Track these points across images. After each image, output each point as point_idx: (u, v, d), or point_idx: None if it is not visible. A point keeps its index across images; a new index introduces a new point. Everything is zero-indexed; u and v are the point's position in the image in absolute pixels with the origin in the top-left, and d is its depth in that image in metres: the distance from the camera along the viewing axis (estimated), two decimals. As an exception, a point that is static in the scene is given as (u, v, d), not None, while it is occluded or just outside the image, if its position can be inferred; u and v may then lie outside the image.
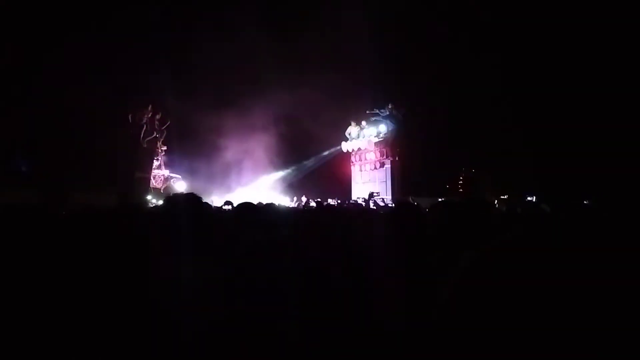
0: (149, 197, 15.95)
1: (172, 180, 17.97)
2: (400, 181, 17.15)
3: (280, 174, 20.46)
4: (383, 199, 16.51)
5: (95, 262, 2.20)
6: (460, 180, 20.04)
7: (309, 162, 20.55)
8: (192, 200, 2.17)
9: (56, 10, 14.00)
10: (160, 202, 14.75)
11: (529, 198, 13.07)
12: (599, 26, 13.93)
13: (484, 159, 17.46)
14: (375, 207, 11.62)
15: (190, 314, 1.75)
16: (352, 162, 20.07)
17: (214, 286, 1.88)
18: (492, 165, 16.95)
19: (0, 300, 1.88)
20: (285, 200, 16.90)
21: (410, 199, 13.89)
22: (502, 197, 14.42)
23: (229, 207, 7.12)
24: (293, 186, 20.13)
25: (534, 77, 15.11)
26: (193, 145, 17.87)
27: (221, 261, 2.05)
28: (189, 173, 18.19)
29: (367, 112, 18.31)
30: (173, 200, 2.22)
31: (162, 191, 17.22)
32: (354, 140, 19.20)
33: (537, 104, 15.20)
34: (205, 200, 2.42)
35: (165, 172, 18.02)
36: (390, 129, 17.51)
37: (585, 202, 5.35)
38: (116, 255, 2.31)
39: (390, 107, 17.56)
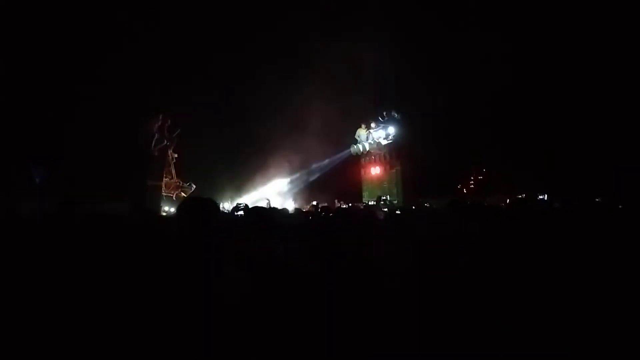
0: (161, 205, 16.10)
1: (184, 188, 18.08)
2: (410, 183, 17.09)
3: (290, 178, 20.51)
4: (392, 201, 16.49)
5: (108, 268, 2.24)
6: (471, 180, 19.95)
7: (319, 166, 20.55)
8: (208, 205, 2.16)
9: (69, 20, 14.22)
10: (173, 209, 14.81)
11: (540, 197, 12.97)
12: (609, 22, 13.80)
13: (494, 158, 17.34)
14: (385, 210, 11.59)
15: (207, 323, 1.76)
16: (362, 165, 20.06)
17: (232, 293, 1.89)
18: (503, 164, 16.83)
19: (20, 303, 1.93)
20: (294, 205, 16.94)
21: (420, 200, 13.87)
22: (518, 196, 14.25)
23: (241, 212, 7.14)
24: (303, 190, 20.18)
25: (543, 74, 15.01)
26: (204, 152, 17.99)
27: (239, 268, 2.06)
28: (200, 180, 18.31)
29: (380, 117, 18.32)
30: (190, 205, 2.21)
31: (174, 199, 17.35)
32: (363, 143, 19.20)
33: (547, 102, 15.09)
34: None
35: (177, 180, 18.15)
36: (398, 131, 17.49)
37: (597, 199, 5.31)
38: (130, 262, 2.34)
39: (394, 111, 17.57)
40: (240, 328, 1.76)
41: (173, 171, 18.03)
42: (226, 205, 15.67)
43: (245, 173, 19.25)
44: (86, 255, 2.32)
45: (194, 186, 18.18)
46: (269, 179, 19.96)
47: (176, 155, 17.98)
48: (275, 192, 20.05)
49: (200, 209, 2.13)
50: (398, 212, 7.33)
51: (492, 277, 1.85)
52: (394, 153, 17.88)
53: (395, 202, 16.53)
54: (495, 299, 1.80)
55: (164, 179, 17.42)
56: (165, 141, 17.15)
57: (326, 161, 20.35)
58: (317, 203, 15.07)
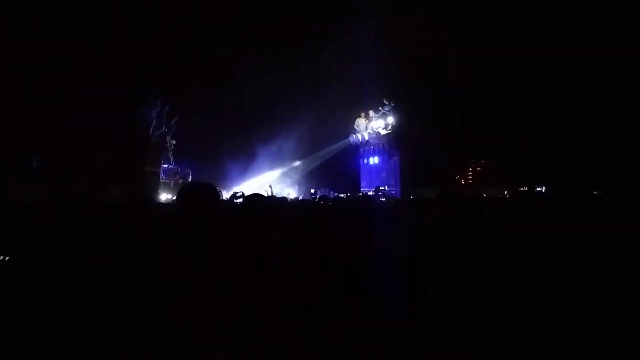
0: (158, 192, 16.08)
1: (181, 174, 18.04)
2: (409, 173, 17.08)
3: (289, 167, 20.50)
4: (391, 191, 16.51)
5: (105, 256, 2.23)
6: (470, 171, 19.97)
7: (318, 155, 20.53)
8: (209, 190, 2.13)
9: (65, 8, 14.07)
10: (170, 196, 14.75)
11: (538, 188, 13.02)
12: (606, 21, 13.74)
13: (493, 150, 17.33)
14: (384, 200, 11.62)
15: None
16: (361, 154, 20.05)
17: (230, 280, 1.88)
18: (501, 156, 16.83)
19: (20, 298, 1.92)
20: (294, 194, 16.97)
21: (418, 190, 13.90)
22: (520, 188, 14.26)
23: (240, 200, 7.13)
24: (302, 179, 20.19)
25: (542, 67, 14.96)
26: (202, 139, 17.94)
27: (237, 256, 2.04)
28: (198, 166, 18.28)
29: (380, 108, 18.27)
30: (190, 190, 2.17)
31: (172, 185, 17.33)
32: (362, 132, 19.16)
33: (547, 94, 15.06)
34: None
35: (175, 166, 18.10)
36: (398, 121, 17.45)
37: (595, 192, 5.31)
38: (128, 250, 2.33)
39: (393, 101, 17.51)
40: (240, 324, 1.76)
41: (171, 158, 17.98)
42: (224, 193, 15.65)
43: (244, 161, 19.22)
44: (85, 248, 2.31)
45: (192, 174, 18.15)
46: (268, 167, 19.95)
47: (174, 142, 17.92)
48: (273, 180, 20.04)
49: (201, 195, 2.10)
50: (392, 201, 7.33)
51: (479, 277, 1.84)
52: (392, 143, 17.84)
53: (394, 192, 16.54)
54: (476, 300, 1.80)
55: (161, 165, 17.37)
56: (164, 127, 17.08)
57: (325, 150, 20.33)
58: (314, 191, 15.09)
